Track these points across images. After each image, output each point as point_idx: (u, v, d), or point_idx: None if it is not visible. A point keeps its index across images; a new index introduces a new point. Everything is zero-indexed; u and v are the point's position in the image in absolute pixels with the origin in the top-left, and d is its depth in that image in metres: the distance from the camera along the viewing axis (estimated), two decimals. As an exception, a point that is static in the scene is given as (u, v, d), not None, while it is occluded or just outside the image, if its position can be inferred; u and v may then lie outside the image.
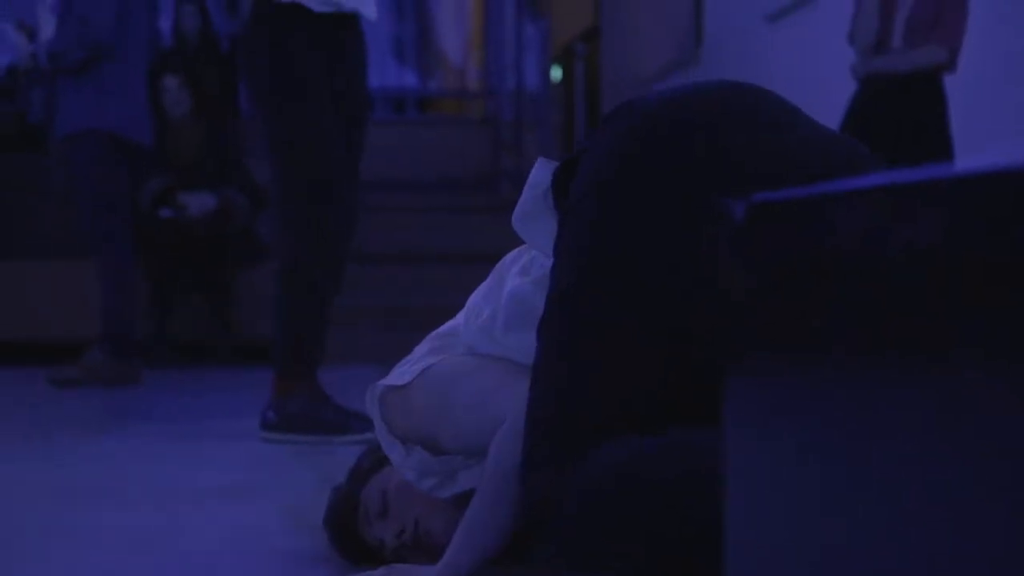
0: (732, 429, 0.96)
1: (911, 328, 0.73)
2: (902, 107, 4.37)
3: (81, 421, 3.81)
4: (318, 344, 3.32)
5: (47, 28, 4.84)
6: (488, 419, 1.57)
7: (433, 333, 1.79)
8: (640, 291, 1.41)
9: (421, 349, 1.76)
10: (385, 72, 9.03)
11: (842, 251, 0.78)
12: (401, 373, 1.71)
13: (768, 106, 1.53)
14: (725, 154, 1.42)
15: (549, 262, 1.57)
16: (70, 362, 4.99)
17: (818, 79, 5.66)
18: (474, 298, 1.73)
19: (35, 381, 4.98)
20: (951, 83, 4.40)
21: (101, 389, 4.75)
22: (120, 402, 4.37)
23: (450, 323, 1.79)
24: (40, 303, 5.96)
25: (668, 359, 1.40)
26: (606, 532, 1.37)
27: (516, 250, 1.73)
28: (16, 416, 3.98)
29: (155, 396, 4.55)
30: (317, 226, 3.24)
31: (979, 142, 4.60)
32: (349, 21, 3.34)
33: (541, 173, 1.61)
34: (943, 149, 4.33)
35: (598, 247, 1.44)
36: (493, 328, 1.65)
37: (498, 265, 1.73)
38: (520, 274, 1.64)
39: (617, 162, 1.45)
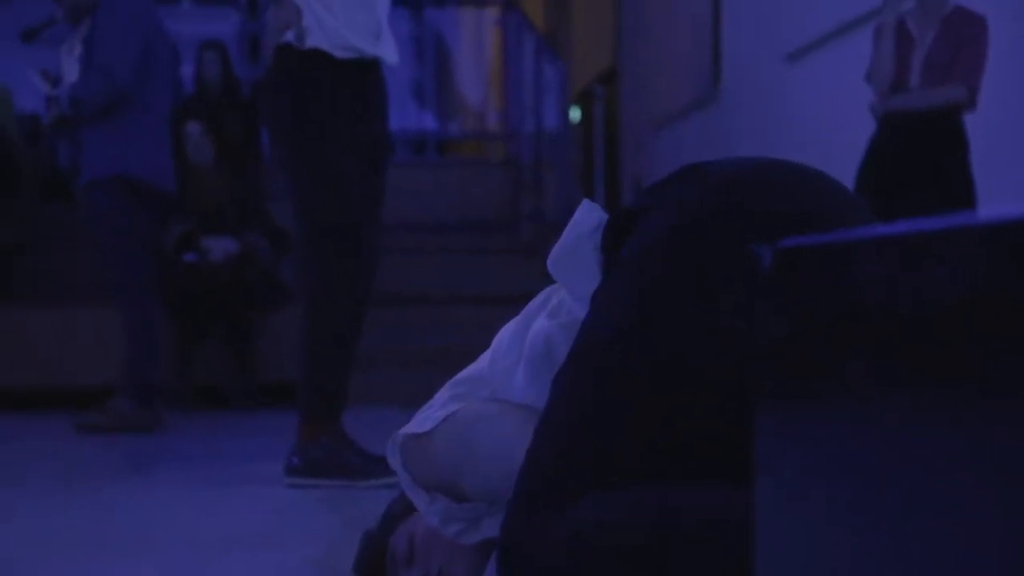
0: (762, 474, 0.96)
1: (940, 374, 0.73)
2: (921, 146, 4.37)
3: (105, 468, 3.82)
4: (342, 388, 3.33)
5: (71, 76, 4.90)
6: (510, 467, 1.56)
7: (455, 379, 1.79)
8: (677, 365, 1.39)
9: (442, 395, 1.76)
10: (405, 115, 9.08)
11: (869, 297, 0.78)
12: (422, 420, 1.71)
13: (832, 200, 1.52)
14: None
15: (579, 308, 1.55)
16: (96, 409, 5.01)
17: (837, 118, 5.67)
18: (499, 339, 1.72)
19: (60, 428, 5.00)
20: (971, 122, 4.40)
21: (125, 435, 4.76)
22: (144, 448, 4.38)
23: (472, 367, 1.79)
24: (66, 349, 5.99)
25: (684, 432, 1.39)
26: None
27: (546, 290, 1.72)
28: (41, 463, 3.99)
29: (178, 441, 4.55)
30: (339, 270, 3.26)
31: (1001, 181, 4.60)
32: (370, 67, 3.37)
33: (586, 218, 1.59)
34: (964, 188, 4.33)
35: (646, 312, 1.42)
36: (516, 374, 1.65)
37: (527, 307, 1.73)
38: (549, 316, 1.63)
39: (683, 233, 1.43)
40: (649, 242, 1.46)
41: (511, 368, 1.65)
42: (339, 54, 3.28)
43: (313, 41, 3.26)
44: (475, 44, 9.93)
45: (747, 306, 1.35)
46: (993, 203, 4.39)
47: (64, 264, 6.47)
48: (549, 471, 1.43)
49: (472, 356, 1.85)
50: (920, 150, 4.38)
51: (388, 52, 3.39)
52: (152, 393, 4.93)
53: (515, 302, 1.77)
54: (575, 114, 10.63)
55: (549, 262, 1.61)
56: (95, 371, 5.74)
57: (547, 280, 1.68)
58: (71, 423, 4.93)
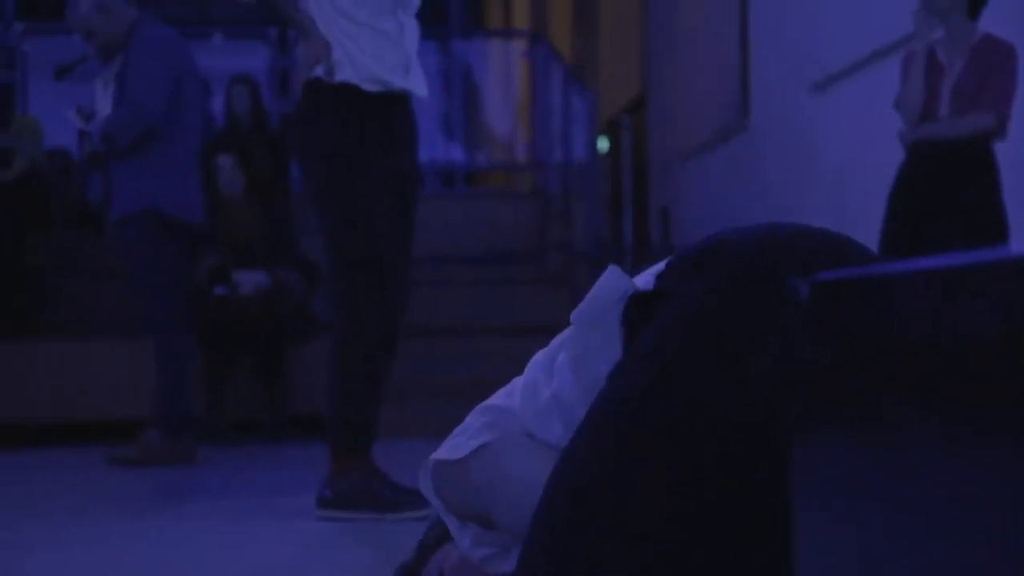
0: (800, 500, 0.96)
1: (977, 407, 0.73)
2: (951, 175, 4.35)
3: (135, 500, 3.83)
4: (372, 420, 3.33)
5: (104, 111, 4.94)
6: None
7: (485, 405, 1.79)
8: (698, 422, 1.40)
9: (475, 422, 1.75)
10: (433, 147, 9.12)
11: (906, 329, 0.78)
12: (455, 446, 1.71)
13: (854, 264, 1.52)
14: None
15: (602, 364, 1.55)
16: (128, 441, 5.03)
17: (865, 147, 5.66)
18: (530, 372, 1.72)
19: (93, 460, 5.01)
20: (1001, 150, 4.38)
21: (157, 468, 4.77)
22: (175, 480, 4.39)
23: (504, 394, 1.78)
24: (98, 382, 6.01)
25: (688, 518, 1.39)
26: None
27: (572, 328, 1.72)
28: (71, 496, 4.01)
29: (210, 473, 4.56)
30: (369, 303, 3.26)
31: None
32: (400, 100, 3.39)
33: (611, 287, 1.57)
34: (994, 217, 4.30)
35: (667, 372, 1.43)
36: (553, 418, 1.64)
37: (554, 340, 1.73)
38: (572, 368, 1.62)
39: (704, 319, 1.44)
40: (668, 331, 1.46)
41: (547, 413, 1.64)
42: (368, 88, 3.30)
43: (343, 75, 3.28)
44: (503, 76, 9.97)
45: (771, 370, 1.36)
46: (1025, 231, 4.36)
47: (95, 297, 6.51)
48: (564, 527, 1.44)
49: (501, 387, 1.85)
50: (950, 179, 4.36)
51: (417, 85, 3.40)
52: (183, 425, 4.95)
53: (544, 332, 1.77)
54: (603, 144, 10.64)
55: (573, 319, 1.61)
56: (127, 404, 5.76)
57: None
58: (102, 456, 4.95)
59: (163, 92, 4.85)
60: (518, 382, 1.77)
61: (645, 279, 1.58)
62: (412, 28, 3.40)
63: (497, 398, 1.78)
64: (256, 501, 3.70)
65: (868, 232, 4.57)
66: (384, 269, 3.28)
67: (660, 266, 1.58)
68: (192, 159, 5.06)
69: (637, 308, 1.53)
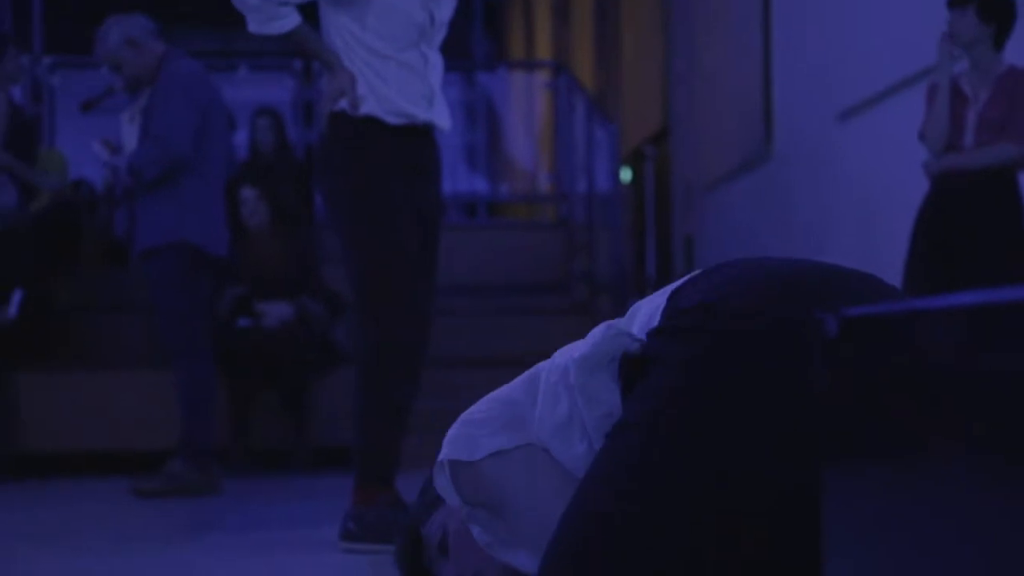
0: (830, 531, 0.95)
1: (1004, 441, 0.72)
2: (976, 205, 4.34)
3: (160, 532, 3.83)
4: (395, 451, 3.33)
5: (130, 144, 4.98)
6: (549, 530, 1.59)
7: (501, 398, 1.78)
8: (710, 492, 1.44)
9: (490, 416, 1.75)
10: (457, 178, 9.16)
11: (935, 365, 0.78)
12: (468, 443, 1.72)
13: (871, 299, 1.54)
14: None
15: (605, 406, 1.59)
16: (154, 472, 5.04)
17: (890, 178, 5.64)
18: (550, 375, 1.73)
19: (118, 491, 5.03)
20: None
21: (182, 499, 4.78)
22: (199, 512, 4.40)
23: (521, 386, 1.77)
24: (123, 413, 6.04)
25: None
26: None
27: (594, 334, 1.73)
28: (96, 527, 4.01)
29: (235, 505, 4.57)
30: (393, 333, 3.27)
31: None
32: (423, 132, 3.40)
33: (605, 347, 1.61)
34: (1020, 248, 4.29)
35: (645, 477, 1.48)
36: (574, 437, 1.65)
37: (569, 347, 1.75)
38: (584, 404, 1.65)
39: (693, 393, 1.48)
40: (652, 402, 1.51)
41: (567, 429, 1.65)
42: (392, 120, 3.31)
43: (367, 109, 3.29)
44: (526, 107, 10.00)
45: (755, 439, 1.39)
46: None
47: (120, 328, 6.55)
48: None
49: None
50: (975, 210, 4.34)
51: (441, 117, 3.42)
52: (209, 456, 4.96)
53: (569, 362, 1.78)
54: (626, 175, 10.65)
55: (573, 369, 1.64)
56: (153, 435, 5.78)
57: None
58: (128, 487, 4.96)
59: (190, 127, 4.88)
60: (537, 370, 1.76)
61: (651, 308, 1.60)
62: (436, 61, 3.42)
63: (515, 390, 1.77)
64: (281, 533, 3.70)
65: (893, 262, 4.56)
66: (407, 300, 3.28)
67: (661, 303, 1.59)
68: (217, 192, 5.09)
69: (630, 367, 1.56)
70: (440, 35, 3.44)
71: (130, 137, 4.98)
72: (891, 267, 4.44)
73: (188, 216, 4.91)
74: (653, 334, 1.57)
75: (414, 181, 3.37)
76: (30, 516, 4.47)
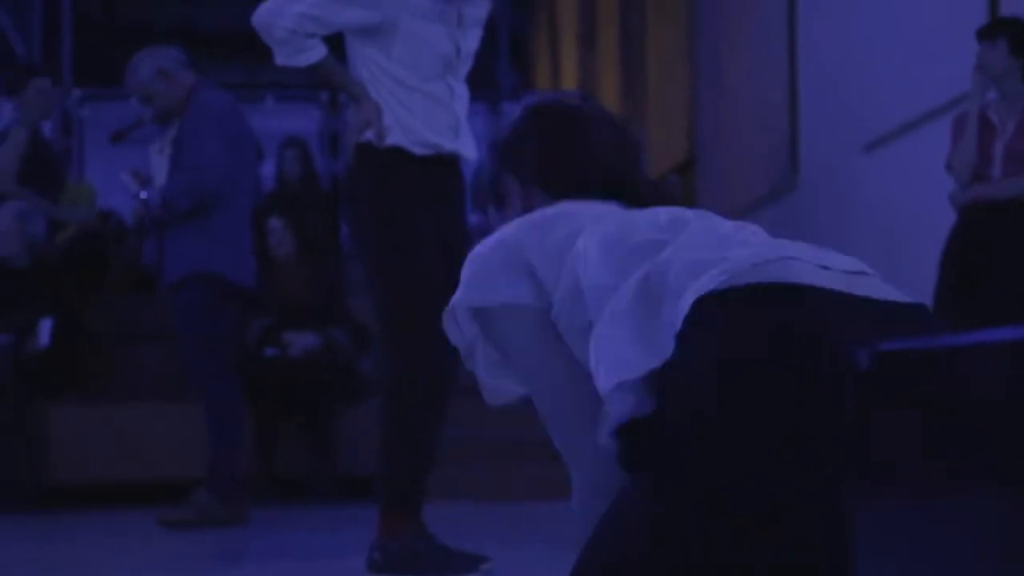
0: (863, 569, 0.95)
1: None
2: (1004, 237, 4.32)
3: (186, 563, 3.83)
4: (422, 482, 3.32)
5: (160, 175, 5.00)
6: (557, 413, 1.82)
7: (514, 241, 1.79)
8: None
9: (505, 263, 1.78)
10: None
11: (970, 399, 0.77)
12: (485, 286, 1.78)
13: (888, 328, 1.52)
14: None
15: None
16: (180, 502, 5.04)
17: (916, 208, 5.62)
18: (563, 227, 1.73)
19: (145, 522, 5.03)
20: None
21: (209, 530, 4.78)
22: (227, 542, 4.40)
23: (537, 228, 1.77)
24: (150, 443, 6.05)
25: None
26: None
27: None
28: (123, 558, 4.02)
29: (261, 535, 4.57)
30: (419, 363, 3.27)
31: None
32: (449, 162, 3.42)
33: (610, 409, 1.58)
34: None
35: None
36: (574, 315, 1.67)
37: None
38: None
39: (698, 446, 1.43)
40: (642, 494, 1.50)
41: (575, 299, 1.64)
42: (418, 151, 3.33)
43: (392, 139, 3.31)
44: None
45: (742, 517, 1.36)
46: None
47: (149, 359, 6.57)
48: None
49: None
50: (1002, 241, 4.32)
51: (466, 147, 3.43)
52: (236, 486, 4.96)
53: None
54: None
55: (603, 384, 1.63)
56: (183, 465, 5.79)
57: None
58: (155, 518, 4.97)
59: (220, 158, 4.90)
60: (552, 214, 1.75)
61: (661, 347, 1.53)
62: (462, 91, 3.44)
63: (529, 233, 1.76)
64: (308, 564, 3.70)
65: (919, 293, 4.53)
66: (433, 329, 3.28)
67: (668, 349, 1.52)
68: (245, 222, 5.11)
69: (629, 440, 1.55)
70: (466, 66, 3.45)
71: (159, 168, 5.01)
72: (917, 297, 4.42)
73: (217, 247, 4.93)
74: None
75: (439, 210, 3.38)
76: (58, 548, 4.48)
